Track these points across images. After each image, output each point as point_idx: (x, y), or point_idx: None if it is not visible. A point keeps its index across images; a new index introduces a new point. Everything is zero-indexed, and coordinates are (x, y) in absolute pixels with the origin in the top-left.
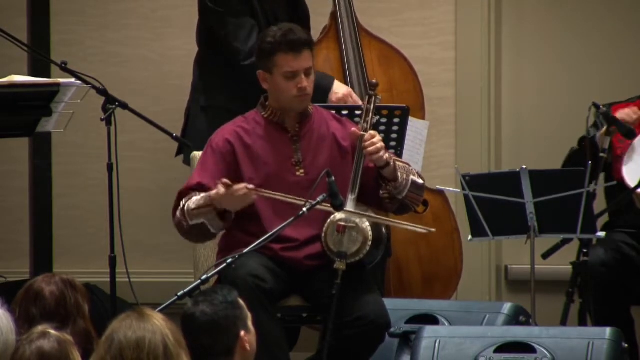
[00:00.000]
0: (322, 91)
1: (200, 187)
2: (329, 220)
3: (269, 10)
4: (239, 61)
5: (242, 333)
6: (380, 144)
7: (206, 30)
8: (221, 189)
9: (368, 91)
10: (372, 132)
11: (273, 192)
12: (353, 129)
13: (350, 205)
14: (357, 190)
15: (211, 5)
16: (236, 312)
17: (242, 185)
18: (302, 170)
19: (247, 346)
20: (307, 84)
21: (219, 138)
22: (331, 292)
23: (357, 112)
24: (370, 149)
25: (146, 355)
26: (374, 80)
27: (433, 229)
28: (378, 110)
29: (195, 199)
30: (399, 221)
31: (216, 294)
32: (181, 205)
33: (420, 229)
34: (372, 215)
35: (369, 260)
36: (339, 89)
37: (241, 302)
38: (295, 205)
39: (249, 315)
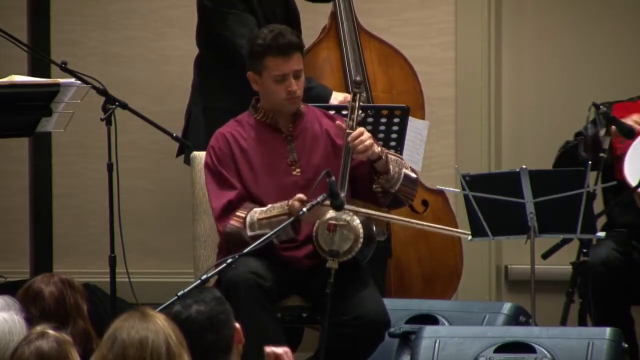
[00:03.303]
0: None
1: (243, 195)
2: (319, 220)
3: (267, 8)
4: (241, 54)
5: (237, 325)
6: (369, 141)
7: (206, 31)
8: (297, 204)
9: (352, 89)
10: (360, 128)
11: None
12: (337, 122)
13: None
14: (346, 188)
15: (210, 5)
16: (226, 306)
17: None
18: (298, 170)
19: (242, 337)
20: (297, 87)
21: (219, 142)
22: (331, 291)
23: (344, 112)
24: (360, 147)
25: (149, 355)
26: (358, 78)
27: (469, 232)
28: (378, 110)
29: (260, 210)
30: (433, 225)
31: (202, 294)
32: (242, 215)
33: (454, 232)
34: (375, 212)
35: (361, 258)
36: (335, 100)
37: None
38: None
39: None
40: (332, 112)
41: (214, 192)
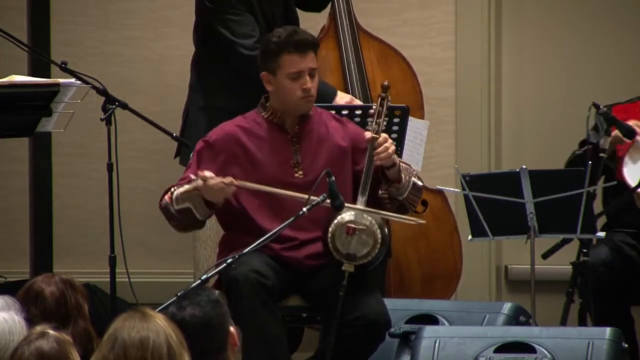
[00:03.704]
0: (324, 102)
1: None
2: (336, 221)
3: (267, 10)
4: (242, 53)
5: (232, 328)
6: (392, 148)
7: (204, 31)
8: (199, 182)
9: (380, 93)
10: (384, 135)
11: (256, 185)
12: (368, 134)
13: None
14: (367, 192)
15: (210, 5)
16: (222, 308)
17: (218, 179)
18: (300, 172)
19: (237, 340)
20: (312, 85)
21: (217, 135)
22: (331, 291)
23: (357, 112)
24: (382, 154)
25: (150, 355)
26: (386, 83)
27: (423, 221)
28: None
29: (184, 186)
30: (392, 214)
31: (199, 295)
32: (172, 190)
33: (411, 221)
34: (372, 210)
35: (374, 262)
36: (341, 100)
37: (221, 299)
38: (295, 205)
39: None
40: (335, 112)
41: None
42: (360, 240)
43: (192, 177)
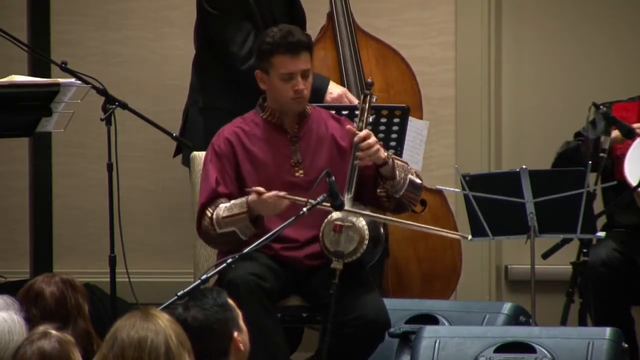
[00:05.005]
0: (317, 92)
1: (218, 194)
2: (326, 220)
3: (266, 12)
4: (236, 66)
5: (235, 334)
6: (375, 147)
7: (204, 32)
8: (254, 196)
9: (364, 90)
10: (366, 131)
11: (302, 199)
12: (348, 126)
13: (346, 205)
14: (353, 190)
15: (209, 9)
16: (227, 314)
17: (272, 193)
18: (301, 171)
19: (241, 346)
20: (304, 86)
21: (220, 140)
22: (329, 291)
23: (357, 112)
24: (360, 153)
25: (147, 355)
26: (370, 80)
27: (468, 236)
28: (378, 110)
29: (225, 207)
30: (430, 227)
31: (206, 298)
32: (209, 215)
33: (453, 235)
34: (374, 214)
35: (368, 259)
36: (334, 90)
37: (231, 302)
38: (296, 206)
39: (240, 314)
40: (335, 112)
41: (202, 182)
42: (347, 237)
43: (253, 194)
